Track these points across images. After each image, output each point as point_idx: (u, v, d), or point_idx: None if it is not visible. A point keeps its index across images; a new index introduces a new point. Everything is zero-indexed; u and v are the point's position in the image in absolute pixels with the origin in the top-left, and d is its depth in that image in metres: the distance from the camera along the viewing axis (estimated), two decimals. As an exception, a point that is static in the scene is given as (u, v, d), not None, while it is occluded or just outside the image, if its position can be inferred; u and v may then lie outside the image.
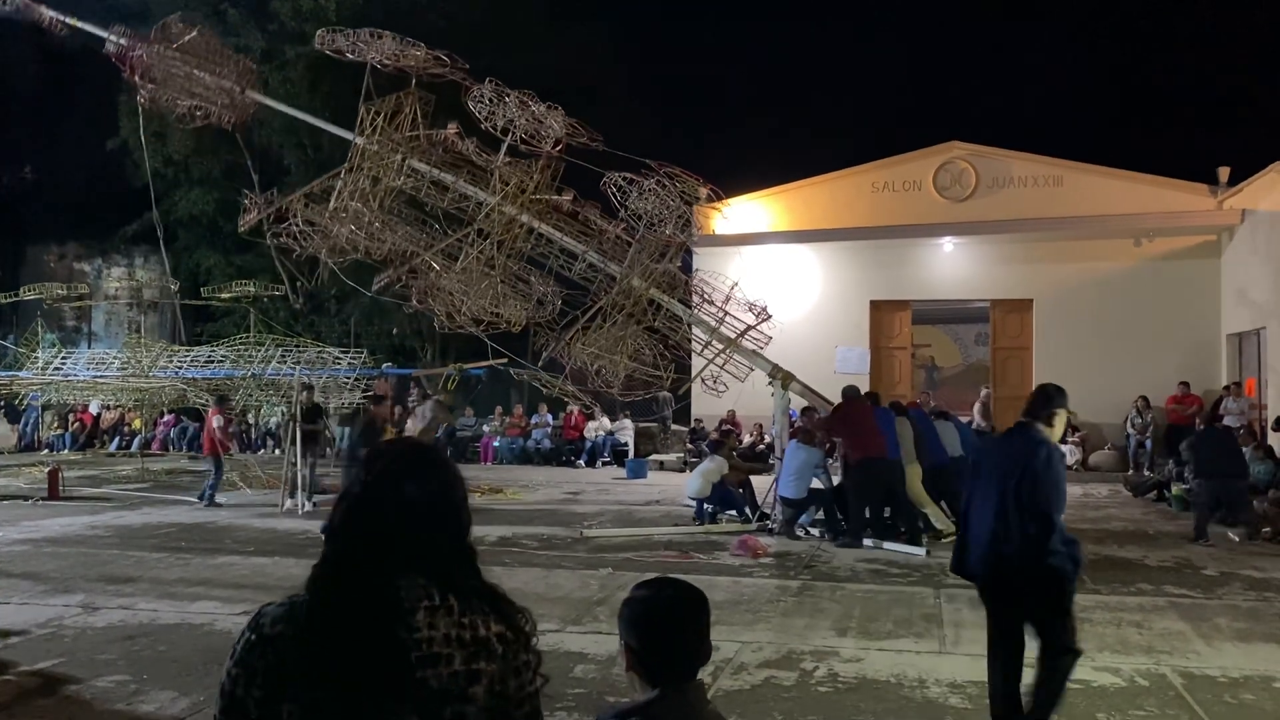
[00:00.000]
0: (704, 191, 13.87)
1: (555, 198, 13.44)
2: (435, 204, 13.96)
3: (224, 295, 24.75)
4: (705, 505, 12.56)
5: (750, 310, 13.15)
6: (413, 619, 1.60)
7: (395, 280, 13.36)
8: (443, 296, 13.12)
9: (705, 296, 13.42)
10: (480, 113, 13.10)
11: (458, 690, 1.59)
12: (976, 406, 20.05)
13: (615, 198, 12.90)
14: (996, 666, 4.78)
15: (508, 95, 13.03)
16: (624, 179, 12.88)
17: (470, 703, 1.60)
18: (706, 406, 19.95)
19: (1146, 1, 33.60)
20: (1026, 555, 4.56)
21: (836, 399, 12.45)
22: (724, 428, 17.86)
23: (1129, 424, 18.43)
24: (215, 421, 14.62)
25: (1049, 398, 4.84)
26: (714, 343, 13.06)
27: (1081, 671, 6.10)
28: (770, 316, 13.17)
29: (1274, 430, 14.75)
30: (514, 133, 12.99)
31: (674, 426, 22.04)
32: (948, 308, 23.51)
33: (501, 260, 13.18)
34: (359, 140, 13.45)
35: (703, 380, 13.07)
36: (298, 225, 13.52)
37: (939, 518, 11.37)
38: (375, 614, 1.59)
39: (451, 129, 13.74)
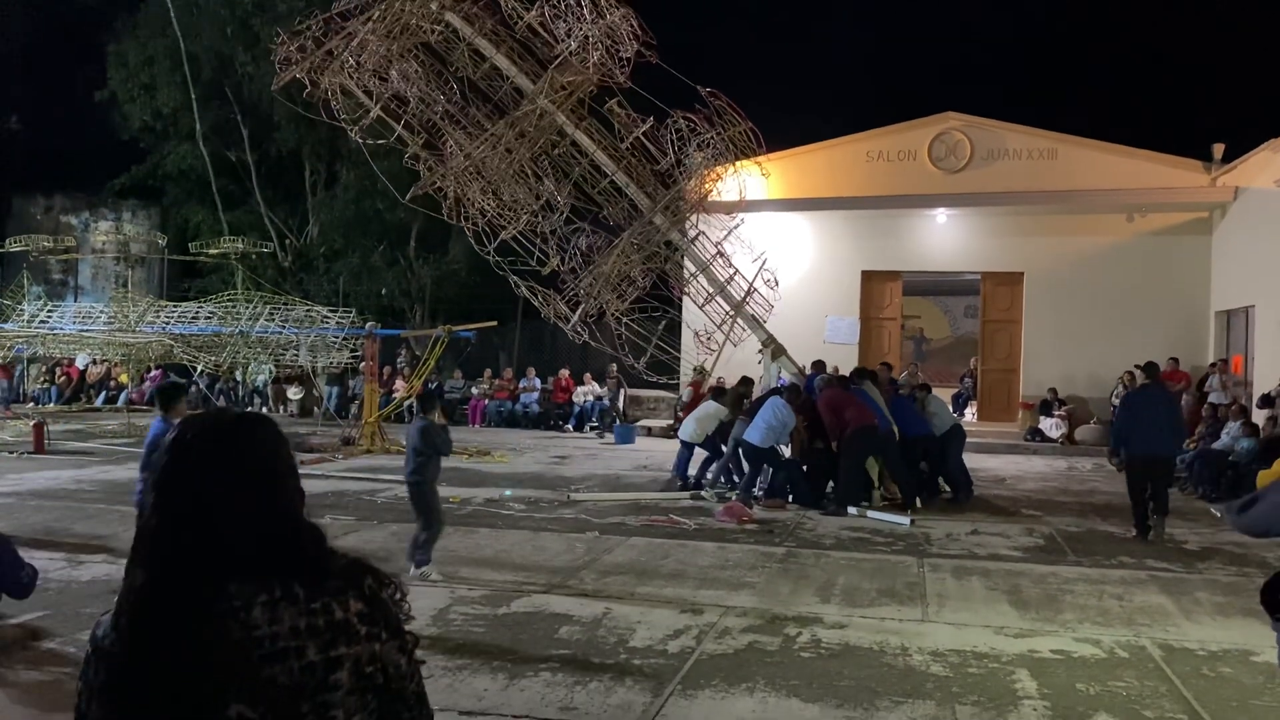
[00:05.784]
0: (753, 135, 13.31)
1: (614, 104, 12.93)
2: (465, 71, 13.42)
3: (212, 251, 24.56)
4: (687, 467, 12.60)
5: (762, 279, 13.09)
6: (249, 616, 1.47)
7: (427, 187, 12.98)
8: (454, 176, 12.74)
9: (721, 250, 13.25)
10: (547, 13, 12.62)
11: (315, 681, 1.48)
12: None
13: (674, 145, 12.64)
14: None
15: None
16: (687, 124, 12.60)
17: (334, 690, 1.48)
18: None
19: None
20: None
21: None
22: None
23: (1114, 398, 18.50)
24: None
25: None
26: (718, 299, 12.95)
27: (1061, 642, 6.18)
28: (777, 284, 13.10)
29: (1259, 408, 14.84)
30: (589, 47, 12.44)
31: (664, 394, 21.94)
32: (939, 279, 23.50)
33: (523, 152, 12.74)
34: None
35: (695, 334, 13.01)
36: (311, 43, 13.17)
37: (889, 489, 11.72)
38: (199, 627, 1.46)
39: None
